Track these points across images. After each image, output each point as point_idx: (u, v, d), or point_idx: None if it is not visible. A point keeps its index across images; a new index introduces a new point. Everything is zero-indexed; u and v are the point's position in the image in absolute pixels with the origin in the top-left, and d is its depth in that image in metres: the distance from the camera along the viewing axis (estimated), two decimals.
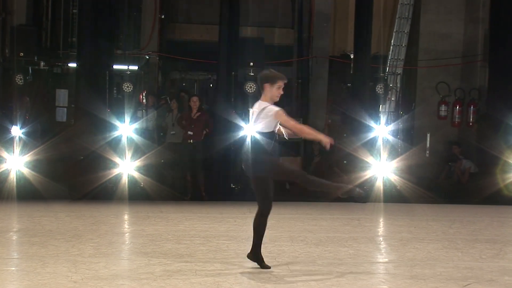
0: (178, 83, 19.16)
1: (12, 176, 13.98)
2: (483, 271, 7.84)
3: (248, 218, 11.99)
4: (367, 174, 14.59)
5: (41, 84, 16.66)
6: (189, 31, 19.05)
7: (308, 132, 7.87)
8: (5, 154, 14.03)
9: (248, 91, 15.17)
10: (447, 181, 16.92)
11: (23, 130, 15.12)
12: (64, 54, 17.05)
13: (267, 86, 7.67)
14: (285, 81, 7.75)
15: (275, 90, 7.66)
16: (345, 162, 15.39)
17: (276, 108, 7.56)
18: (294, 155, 16.60)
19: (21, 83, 15.61)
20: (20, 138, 14.88)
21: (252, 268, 7.74)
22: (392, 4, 18.54)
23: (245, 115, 14.90)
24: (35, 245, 8.93)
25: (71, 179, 13.92)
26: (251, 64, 15.69)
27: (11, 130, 14.94)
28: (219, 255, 8.52)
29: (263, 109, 7.57)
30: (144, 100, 16.59)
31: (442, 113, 17.71)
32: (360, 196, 7.78)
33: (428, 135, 17.42)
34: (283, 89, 7.74)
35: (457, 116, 17.66)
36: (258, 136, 7.54)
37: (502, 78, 15.62)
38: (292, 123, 7.67)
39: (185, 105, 15.79)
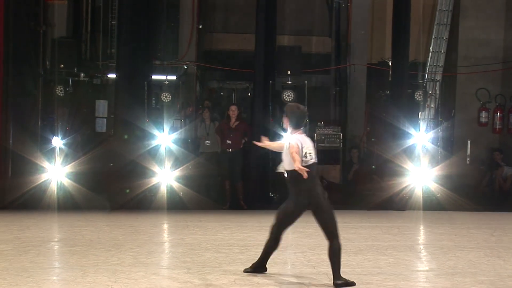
0: (216, 93, 19.23)
1: (53, 186, 14.14)
2: None
3: None
4: (406, 181, 14.48)
5: (81, 95, 16.84)
6: (226, 41, 19.12)
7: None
8: (46, 164, 14.20)
9: (286, 99, 15.17)
10: (488, 188, 16.71)
11: (63, 141, 15.31)
12: (104, 65, 17.21)
13: None
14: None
15: None
16: (373, 167, 15.28)
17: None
18: (333, 163, 16.54)
19: (61, 95, 15.83)
20: (60, 149, 15.07)
21: (291, 276, 7.72)
22: (430, 10, 18.40)
23: (283, 123, 14.86)
24: (75, 254, 9.01)
25: (111, 189, 14.02)
26: (289, 72, 15.69)
27: (52, 141, 15.13)
28: None
29: None
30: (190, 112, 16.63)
31: (483, 120, 17.53)
32: None
33: (469, 142, 17.23)
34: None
35: (498, 122, 17.48)
36: None
37: None
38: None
39: (207, 114, 15.73)
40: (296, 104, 7.89)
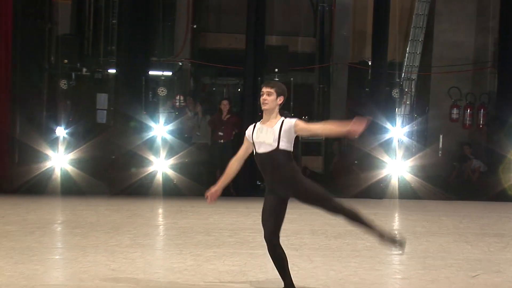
0: (208, 88, 19.25)
1: (57, 173, 14.12)
2: (491, 263, 7.80)
3: None
4: (384, 172, 14.56)
5: (83, 89, 16.82)
6: (219, 40, 19.11)
7: None
8: (50, 153, 14.18)
9: None
10: (458, 179, 16.81)
11: (67, 131, 15.30)
12: (104, 61, 17.17)
13: None
14: (264, 88, 6.20)
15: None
16: (356, 162, 15.30)
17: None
18: (316, 154, 16.58)
19: (65, 88, 15.81)
20: (64, 138, 15.06)
21: None
22: (407, 14, 18.45)
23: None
24: (77, 236, 9.03)
25: (110, 176, 14.04)
26: (276, 70, 15.73)
27: (56, 131, 15.12)
28: (246, 246, 8.55)
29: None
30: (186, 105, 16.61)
31: (454, 116, 17.62)
32: (400, 247, 6.27)
33: (441, 136, 17.33)
34: (264, 97, 6.21)
35: (468, 118, 17.56)
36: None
37: (510, 83, 15.50)
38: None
39: (191, 108, 15.80)
40: None
